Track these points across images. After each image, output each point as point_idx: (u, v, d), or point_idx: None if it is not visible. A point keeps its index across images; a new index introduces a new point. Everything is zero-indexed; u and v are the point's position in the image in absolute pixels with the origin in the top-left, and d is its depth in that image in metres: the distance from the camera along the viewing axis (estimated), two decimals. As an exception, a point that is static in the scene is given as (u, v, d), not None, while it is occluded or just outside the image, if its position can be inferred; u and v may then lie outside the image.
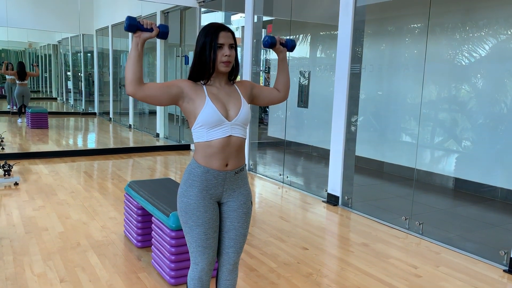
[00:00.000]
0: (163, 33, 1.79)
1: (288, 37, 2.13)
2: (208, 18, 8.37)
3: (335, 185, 4.84)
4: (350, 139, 4.81)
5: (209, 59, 1.81)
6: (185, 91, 1.81)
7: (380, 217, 4.40)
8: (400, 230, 4.08)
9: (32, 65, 9.87)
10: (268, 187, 5.67)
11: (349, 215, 4.53)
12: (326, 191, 4.99)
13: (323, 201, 4.95)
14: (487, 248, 3.80)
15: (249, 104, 1.97)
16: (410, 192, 4.95)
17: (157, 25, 1.77)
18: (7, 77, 9.30)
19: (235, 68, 1.91)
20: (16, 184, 5.08)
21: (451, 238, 3.99)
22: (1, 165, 5.19)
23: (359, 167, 6.24)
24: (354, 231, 4.07)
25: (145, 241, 3.38)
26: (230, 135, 1.84)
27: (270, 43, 2.03)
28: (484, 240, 4.10)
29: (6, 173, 5.16)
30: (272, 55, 9.46)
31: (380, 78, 6.63)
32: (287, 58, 2.17)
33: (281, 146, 6.95)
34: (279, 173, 6.07)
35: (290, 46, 2.10)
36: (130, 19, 1.70)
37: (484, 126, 5.38)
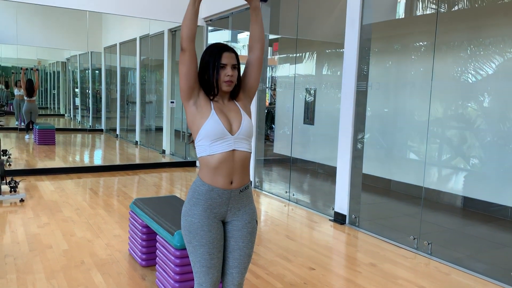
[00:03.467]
0: None
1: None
2: (215, 36, 8.44)
3: (342, 203, 4.79)
4: (357, 156, 4.77)
5: (212, 78, 1.84)
6: (201, 95, 1.87)
7: (388, 237, 4.33)
8: (409, 250, 4.01)
9: (31, 69, 9.90)
10: (274, 204, 5.62)
11: (356, 234, 4.46)
12: (333, 209, 4.94)
13: (330, 220, 4.89)
14: (497, 269, 3.72)
15: (251, 115, 1.97)
16: (418, 211, 4.88)
17: None
18: (15, 93, 9.40)
19: (237, 87, 1.93)
20: (21, 200, 5.07)
21: (461, 259, 3.92)
22: (8, 181, 5.20)
23: (366, 185, 6.18)
24: (362, 251, 4.01)
25: (149, 259, 3.34)
26: (233, 149, 1.84)
27: None
28: (494, 261, 4.01)
29: (12, 189, 5.17)
30: (278, 72, 9.50)
31: (387, 96, 6.62)
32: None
33: (287, 163, 6.91)
34: (285, 191, 6.02)
35: None
36: None
37: (492, 144, 5.33)
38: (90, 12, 7.61)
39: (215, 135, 1.80)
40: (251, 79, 2.00)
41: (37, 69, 10.09)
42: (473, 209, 5.52)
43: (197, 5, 1.80)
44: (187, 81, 1.82)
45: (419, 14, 6.57)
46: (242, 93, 1.99)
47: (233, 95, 1.94)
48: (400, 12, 6.85)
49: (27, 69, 9.31)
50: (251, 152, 1.92)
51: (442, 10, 6.06)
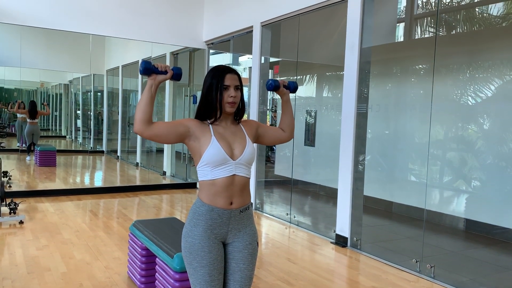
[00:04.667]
0: (176, 75, 1.84)
1: (290, 79, 2.18)
2: (216, 59, 8.55)
3: (343, 226, 4.75)
4: (358, 178, 4.76)
5: (215, 100, 1.85)
6: (192, 130, 1.84)
7: (390, 259, 4.28)
8: (411, 273, 3.96)
9: (42, 103, 10.04)
10: (275, 227, 5.58)
11: (358, 257, 4.41)
12: (334, 231, 4.90)
13: (331, 242, 4.84)
14: (502, 293, 3.67)
15: (254, 144, 1.98)
16: (420, 233, 4.84)
17: (171, 68, 1.82)
18: (18, 115, 9.45)
19: (240, 109, 1.94)
20: (21, 222, 5.04)
21: (464, 282, 3.86)
22: (7, 203, 5.18)
23: (368, 207, 6.15)
24: (364, 274, 3.96)
25: (149, 282, 3.29)
26: (234, 174, 1.85)
27: (274, 86, 2.08)
28: (498, 285, 3.95)
29: (12, 211, 5.14)
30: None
31: (387, 118, 6.65)
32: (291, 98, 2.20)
33: (288, 185, 6.89)
34: (286, 213, 5.99)
35: (293, 88, 2.15)
36: (146, 63, 1.76)
37: (493, 166, 5.32)
38: (93, 35, 7.72)
39: (216, 161, 1.82)
40: (267, 140, 2.10)
41: (48, 104, 10.25)
42: (476, 232, 5.47)
43: (154, 91, 1.76)
44: (170, 143, 1.88)
45: (418, 37, 6.66)
46: (256, 131, 2.02)
47: (237, 117, 1.96)
48: (399, 36, 6.94)
49: (22, 102, 9.41)
50: (249, 178, 1.93)
51: (440, 33, 6.15)
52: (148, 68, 1.76)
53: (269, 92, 7.84)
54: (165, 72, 1.79)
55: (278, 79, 2.12)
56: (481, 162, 5.52)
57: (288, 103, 2.15)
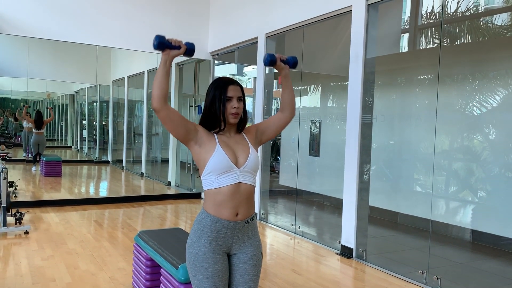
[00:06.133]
0: (190, 50, 1.85)
1: (290, 55, 2.05)
2: (221, 69, 8.59)
3: (348, 237, 4.73)
4: (363, 188, 4.75)
5: (219, 111, 1.88)
6: (200, 134, 1.87)
7: (396, 271, 4.24)
8: (417, 284, 3.92)
9: (47, 108, 10.09)
10: (279, 237, 5.56)
11: (363, 269, 4.38)
12: (339, 242, 4.87)
13: (336, 253, 4.82)
14: (510, 306, 3.62)
15: (257, 151, 2.00)
16: (426, 245, 4.80)
17: (184, 43, 1.83)
18: (24, 125, 9.52)
19: (243, 119, 1.96)
20: (26, 232, 5.05)
21: (472, 294, 3.82)
22: (13, 213, 5.20)
23: (373, 217, 6.11)
24: (370, 286, 3.92)
25: (153, 293, 3.29)
26: (239, 182, 1.86)
27: (270, 61, 1.98)
28: (506, 297, 3.91)
29: (17, 221, 5.16)
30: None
31: (392, 128, 6.64)
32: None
33: (293, 195, 6.87)
34: (291, 223, 5.96)
35: (292, 63, 2.04)
36: (159, 38, 1.76)
37: (500, 177, 5.28)
38: (99, 46, 7.79)
39: (221, 168, 1.82)
40: (271, 131, 2.05)
41: (52, 108, 10.31)
42: (482, 243, 5.42)
43: (168, 66, 1.79)
44: (178, 135, 1.84)
45: (422, 47, 6.67)
46: (256, 134, 2.02)
47: (240, 127, 1.97)
48: (404, 46, 6.96)
49: (29, 106, 9.50)
50: (255, 186, 1.93)
51: (445, 44, 6.16)
52: (162, 43, 1.76)
53: (274, 102, 7.86)
54: (179, 47, 1.80)
55: (275, 54, 2.01)
56: (487, 172, 5.48)
57: (288, 79, 2.06)
